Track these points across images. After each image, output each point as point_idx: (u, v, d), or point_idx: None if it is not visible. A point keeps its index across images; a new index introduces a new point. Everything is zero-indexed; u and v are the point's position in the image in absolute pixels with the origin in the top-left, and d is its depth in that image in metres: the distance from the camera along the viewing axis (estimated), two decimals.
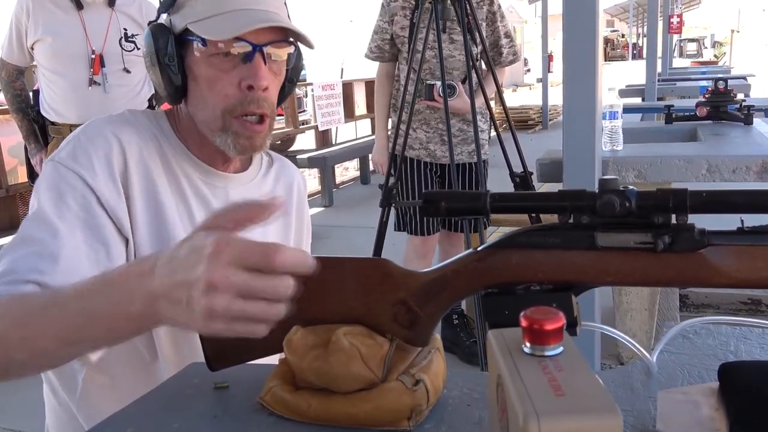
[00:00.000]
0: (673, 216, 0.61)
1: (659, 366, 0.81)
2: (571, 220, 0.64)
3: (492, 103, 2.56)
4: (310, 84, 7.78)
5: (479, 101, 2.73)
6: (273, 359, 0.83)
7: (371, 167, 3.16)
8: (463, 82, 2.73)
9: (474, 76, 2.54)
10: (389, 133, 2.96)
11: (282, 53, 1.05)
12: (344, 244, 5.35)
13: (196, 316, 0.63)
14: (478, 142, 2.48)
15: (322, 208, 6.67)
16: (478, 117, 2.89)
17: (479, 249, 0.67)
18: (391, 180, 2.55)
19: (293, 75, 1.13)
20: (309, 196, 7.11)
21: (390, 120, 2.99)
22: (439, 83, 2.62)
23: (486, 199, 0.65)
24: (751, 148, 2.40)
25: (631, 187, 0.62)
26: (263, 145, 1.07)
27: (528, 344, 0.44)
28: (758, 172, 2.19)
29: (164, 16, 1.06)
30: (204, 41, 1.00)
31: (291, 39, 1.05)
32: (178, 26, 1.03)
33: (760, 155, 2.23)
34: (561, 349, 0.43)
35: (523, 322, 0.43)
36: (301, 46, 1.10)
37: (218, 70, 1.01)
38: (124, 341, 0.78)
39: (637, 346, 0.82)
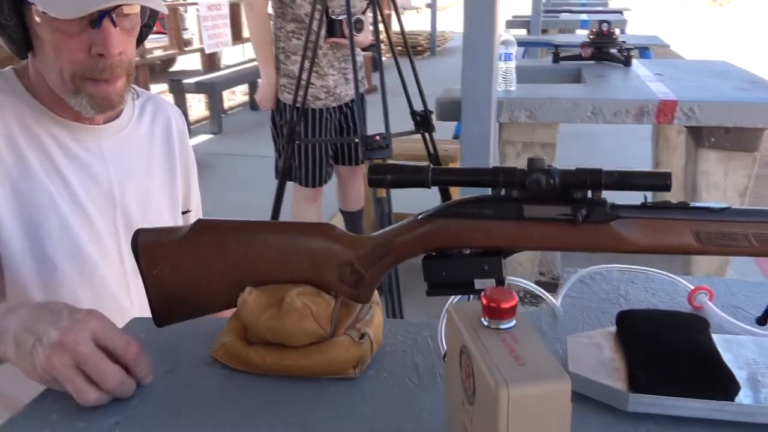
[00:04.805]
0: (589, 192, 0.71)
1: (563, 310, 0.94)
2: (503, 194, 0.73)
3: (381, 27, 2.53)
4: (195, 3, 7.43)
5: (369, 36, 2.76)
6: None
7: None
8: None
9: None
10: (288, 81, 2.78)
11: (133, 8, 0.98)
12: (234, 173, 5.22)
13: (34, 365, 0.71)
14: (356, 75, 2.50)
15: (211, 136, 6.49)
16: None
17: (420, 217, 0.75)
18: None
19: (150, 20, 1.06)
20: (196, 122, 6.91)
21: (282, 65, 2.80)
22: (342, 18, 2.59)
23: (428, 173, 0.73)
24: (630, 92, 2.60)
25: (555, 166, 0.71)
26: (123, 99, 1.03)
27: (487, 319, 0.52)
28: (636, 115, 2.39)
29: None
30: None
31: None
32: None
33: (638, 99, 2.43)
34: (514, 322, 0.52)
35: (484, 301, 0.52)
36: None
37: (64, 35, 0.94)
38: None
39: (545, 292, 0.94)
